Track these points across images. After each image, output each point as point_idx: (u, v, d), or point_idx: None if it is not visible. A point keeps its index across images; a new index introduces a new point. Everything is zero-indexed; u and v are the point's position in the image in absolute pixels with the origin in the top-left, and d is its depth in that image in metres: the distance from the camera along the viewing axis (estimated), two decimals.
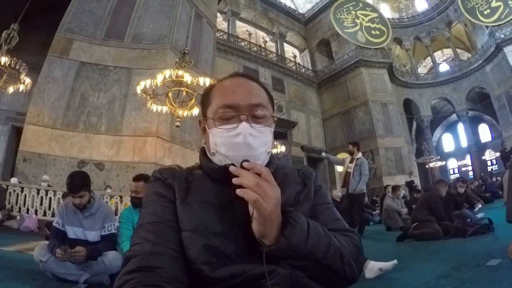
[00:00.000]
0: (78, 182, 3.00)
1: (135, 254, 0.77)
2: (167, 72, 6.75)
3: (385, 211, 7.91)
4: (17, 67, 7.92)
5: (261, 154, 0.87)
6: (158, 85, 7.05)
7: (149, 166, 8.78)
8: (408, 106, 25.99)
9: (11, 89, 8.38)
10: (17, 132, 12.45)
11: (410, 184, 14.15)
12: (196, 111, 7.55)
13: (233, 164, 0.79)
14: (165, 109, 7.77)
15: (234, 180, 0.73)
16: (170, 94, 7.31)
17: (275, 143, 15.45)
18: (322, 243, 0.78)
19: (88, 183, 3.08)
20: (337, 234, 0.85)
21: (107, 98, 9.67)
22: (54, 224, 3.15)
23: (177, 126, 7.66)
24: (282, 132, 19.55)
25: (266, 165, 0.88)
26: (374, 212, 10.43)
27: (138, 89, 7.37)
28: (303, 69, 23.90)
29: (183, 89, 7.07)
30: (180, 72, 6.72)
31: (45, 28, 11.42)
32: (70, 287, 2.78)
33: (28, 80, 8.37)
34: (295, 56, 25.36)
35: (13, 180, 8.12)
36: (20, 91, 8.47)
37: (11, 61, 7.65)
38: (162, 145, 9.48)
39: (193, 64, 8.47)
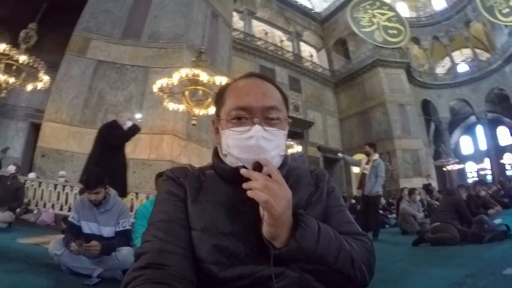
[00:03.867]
0: (95, 179, 3.10)
1: (145, 251, 0.78)
2: (184, 71, 6.79)
3: (400, 215, 7.81)
4: (35, 66, 8.12)
5: (273, 157, 0.85)
6: (175, 83, 7.10)
7: (165, 163, 8.80)
8: (426, 107, 25.63)
9: (29, 87, 8.58)
10: (35, 129, 12.70)
11: (427, 187, 13.92)
12: (212, 110, 7.56)
13: (244, 167, 0.80)
14: (181, 107, 7.79)
15: (244, 185, 0.73)
16: (186, 93, 7.32)
17: (291, 142, 15.31)
18: (333, 247, 0.77)
19: (104, 180, 3.16)
20: (348, 237, 0.84)
21: (124, 96, 9.79)
22: (69, 219, 3.24)
23: (193, 125, 7.69)
24: (299, 132, 19.45)
25: (279, 167, 0.87)
26: (390, 215, 10.29)
27: (155, 88, 7.44)
28: (320, 69, 23.76)
29: (199, 88, 7.07)
30: (197, 71, 6.75)
31: (63, 27, 11.55)
32: (84, 281, 2.82)
33: (46, 78, 8.60)
34: (311, 56, 25.19)
35: (31, 175, 8.30)
36: (39, 88, 8.70)
37: (29, 60, 7.83)
38: (178, 143, 9.52)
39: (210, 63, 8.51)
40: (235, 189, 0.83)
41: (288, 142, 14.20)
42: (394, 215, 10.17)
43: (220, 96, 0.95)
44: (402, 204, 7.94)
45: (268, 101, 0.88)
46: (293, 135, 17.66)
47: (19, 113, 14.24)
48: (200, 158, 9.76)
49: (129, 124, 4.95)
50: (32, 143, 12.51)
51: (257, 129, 0.83)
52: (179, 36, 10.57)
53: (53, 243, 3.12)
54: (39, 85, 8.60)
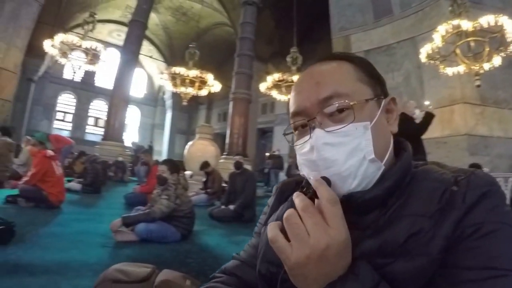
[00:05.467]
0: None
1: (235, 258, 0.85)
2: (441, 28, 5.84)
3: None
4: None
5: (353, 168, 0.58)
6: (440, 45, 6.26)
7: (460, 139, 7.97)
8: None
9: None
10: None
11: None
12: (497, 59, 5.99)
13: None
14: (461, 68, 6.64)
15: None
16: (457, 51, 6.20)
17: None
18: None
19: None
20: None
21: (402, 75, 9.57)
22: None
23: (478, 86, 6.39)
24: None
25: (378, 181, 0.60)
26: None
27: (423, 58, 7.02)
28: None
29: (469, 39, 5.79)
30: (455, 22, 5.52)
31: (323, 36, 12.99)
32: None
33: None
34: None
35: None
36: None
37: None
38: (472, 111, 8.18)
39: (475, 2, 7.33)
40: None
41: None
42: None
43: (288, 104, 0.74)
44: None
45: (323, 90, 0.62)
46: None
47: None
48: (503, 125, 8.14)
49: (417, 112, 4.76)
50: None
51: (316, 135, 0.60)
52: None
53: None
54: None
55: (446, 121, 8.27)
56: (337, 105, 0.60)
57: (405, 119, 4.72)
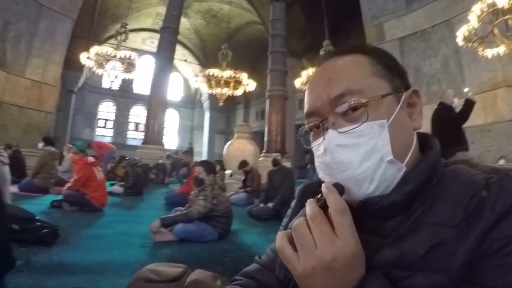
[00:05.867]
0: None
1: (256, 261, 0.83)
2: (476, 7, 5.50)
3: None
4: None
5: (370, 171, 0.53)
6: (475, 27, 5.88)
7: (505, 125, 7.48)
8: None
9: None
10: None
11: None
12: None
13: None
14: (501, 49, 6.25)
15: None
16: (495, 30, 5.82)
17: None
18: None
19: None
20: None
21: (439, 61, 9.20)
22: None
23: None
24: None
25: (398, 184, 0.55)
26: None
27: (459, 41, 6.68)
28: None
29: (506, 17, 5.41)
30: (490, 0, 5.22)
31: (355, 26, 12.76)
32: None
33: None
34: None
35: None
36: None
37: None
38: None
39: None
40: None
41: None
42: None
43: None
44: None
45: (334, 87, 0.57)
46: None
47: None
48: None
49: (456, 101, 4.67)
50: None
51: (329, 136, 0.56)
52: None
53: None
54: None
55: (489, 107, 7.81)
56: (350, 103, 0.55)
57: (445, 109, 4.56)
